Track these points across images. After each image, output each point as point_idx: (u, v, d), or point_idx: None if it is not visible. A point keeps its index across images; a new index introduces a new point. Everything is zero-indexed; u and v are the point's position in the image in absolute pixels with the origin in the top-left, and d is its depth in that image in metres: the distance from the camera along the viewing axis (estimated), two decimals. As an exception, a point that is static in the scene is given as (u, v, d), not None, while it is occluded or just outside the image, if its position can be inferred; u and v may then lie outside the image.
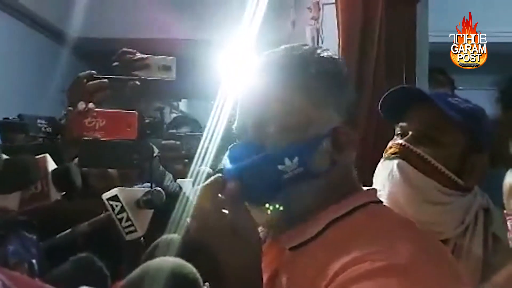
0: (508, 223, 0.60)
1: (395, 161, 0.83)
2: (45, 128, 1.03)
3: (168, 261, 0.42)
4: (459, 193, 0.83)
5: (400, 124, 0.88)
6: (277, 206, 0.60)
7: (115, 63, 1.09)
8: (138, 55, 1.09)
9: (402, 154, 0.83)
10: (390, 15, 1.56)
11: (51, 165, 0.77)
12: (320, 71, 0.62)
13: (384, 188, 0.83)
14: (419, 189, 0.82)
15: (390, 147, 0.86)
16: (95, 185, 0.94)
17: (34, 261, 0.62)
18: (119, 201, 0.73)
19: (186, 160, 1.38)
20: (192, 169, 0.73)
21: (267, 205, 0.59)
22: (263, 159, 0.58)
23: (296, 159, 0.58)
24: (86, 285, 0.45)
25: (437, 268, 0.52)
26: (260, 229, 0.65)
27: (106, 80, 1.02)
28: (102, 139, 0.91)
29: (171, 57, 1.09)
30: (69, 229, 0.75)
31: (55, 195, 0.75)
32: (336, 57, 0.66)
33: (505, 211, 0.64)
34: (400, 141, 0.85)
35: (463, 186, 0.83)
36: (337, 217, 0.59)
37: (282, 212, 0.59)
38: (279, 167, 0.57)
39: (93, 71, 1.04)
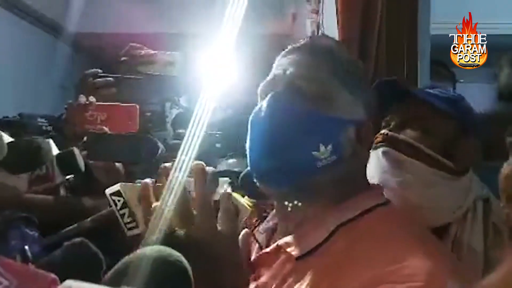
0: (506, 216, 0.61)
1: (381, 149, 0.84)
2: (45, 126, 1.04)
3: (153, 250, 0.41)
4: (452, 176, 0.84)
5: (385, 119, 0.90)
6: (296, 202, 0.58)
7: (123, 58, 1.10)
8: (145, 50, 1.10)
9: (387, 142, 0.85)
10: (391, 7, 1.55)
11: (55, 150, 0.78)
12: (357, 65, 0.66)
13: (375, 177, 0.84)
14: (409, 172, 0.83)
15: (376, 138, 0.87)
16: (102, 180, 0.94)
17: (26, 247, 0.62)
18: (122, 196, 0.73)
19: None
20: (178, 162, 0.72)
21: (286, 202, 0.58)
22: (297, 142, 0.56)
23: (330, 146, 0.57)
24: (81, 269, 0.46)
25: (452, 278, 0.50)
26: (263, 230, 0.64)
27: (111, 78, 1.03)
28: (110, 133, 0.92)
29: (177, 53, 1.09)
30: (72, 226, 0.75)
31: (60, 177, 0.76)
32: None
33: (501, 204, 0.64)
34: (384, 131, 0.87)
35: (454, 169, 0.84)
36: (344, 221, 0.56)
37: (300, 207, 0.58)
38: (314, 153, 0.56)
39: (99, 70, 1.06)
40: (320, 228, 0.57)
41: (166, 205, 0.59)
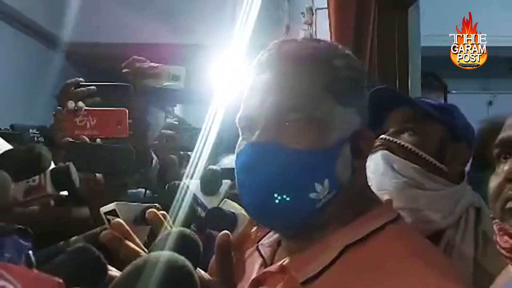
0: (495, 227, 0.61)
1: (379, 153, 0.86)
2: (37, 137, 1.02)
3: (159, 255, 0.41)
4: (446, 181, 0.86)
5: (383, 127, 0.92)
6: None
7: (125, 70, 1.08)
8: (149, 63, 1.08)
9: (385, 145, 0.87)
10: (382, 19, 1.57)
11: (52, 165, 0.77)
12: (346, 66, 0.56)
13: (372, 180, 0.84)
14: (405, 175, 0.84)
15: (374, 142, 0.89)
16: (83, 191, 0.92)
17: (30, 252, 0.61)
18: (117, 216, 0.72)
19: (182, 153, 1.37)
20: (190, 167, 0.71)
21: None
22: (289, 190, 0.51)
23: (326, 181, 0.51)
24: (84, 274, 0.45)
25: None
26: (268, 244, 0.60)
27: (93, 87, 1.01)
28: (90, 143, 0.90)
29: (181, 67, 1.09)
30: (63, 241, 0.74)
31: (51, 189, 0.75)
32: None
33: (491, 215, 0.65)
34: (382, 136, 0.89)
35: (447, 173, 0.86)
36: (351, 243, 0.52)
37: (299, 232, 0.54)
38: (311, 195, 0.51)
39: (80, 79, 1.04)
40: (325, 250, 0.52)
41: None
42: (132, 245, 0.56)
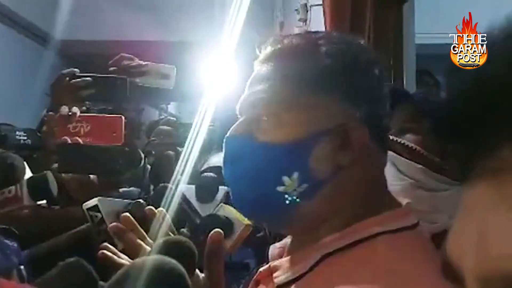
0: None
1: None
2: (24, 140, 0.99)
3: (150, 259, 0.41)
4: (451, 181, 0.85)
5: None
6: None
7: (113, 68, 1.06)
8: (137, 61, 1.06)
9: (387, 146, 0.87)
10: (377, 16, 1.56)
11: (28, 172, 0.75)
12: (329, 55, 0.51)
13: None
14: (410, 176, 0.83)
15: None
16: (74, 194, 0.90)
17: (22, 267, 0.60)
18: (99, 211, 0.71)
19: (179, 148, 1.37)
20: (180, 165, 0.71)
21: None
22: (258, 183, 0.50)
23: (296, 174, 0.49)
24: None
25: None
26: (279, 245, 0.60)
27: (89, 78, 0.99)
28: (83, 144, 0.88)
29: (170, 66, 1.06)
30: (50, 239, 0.73)
31: (28, 201, 0.73)
32: (355, 40, 0.56)
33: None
34: None
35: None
36: (331, 251, 0.49)
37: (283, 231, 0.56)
38: (278, 189, 0.49)
39: (75, 69, 1.02)
40: (307, 256, 0.50)
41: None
42: (134, 237, 0.60)
